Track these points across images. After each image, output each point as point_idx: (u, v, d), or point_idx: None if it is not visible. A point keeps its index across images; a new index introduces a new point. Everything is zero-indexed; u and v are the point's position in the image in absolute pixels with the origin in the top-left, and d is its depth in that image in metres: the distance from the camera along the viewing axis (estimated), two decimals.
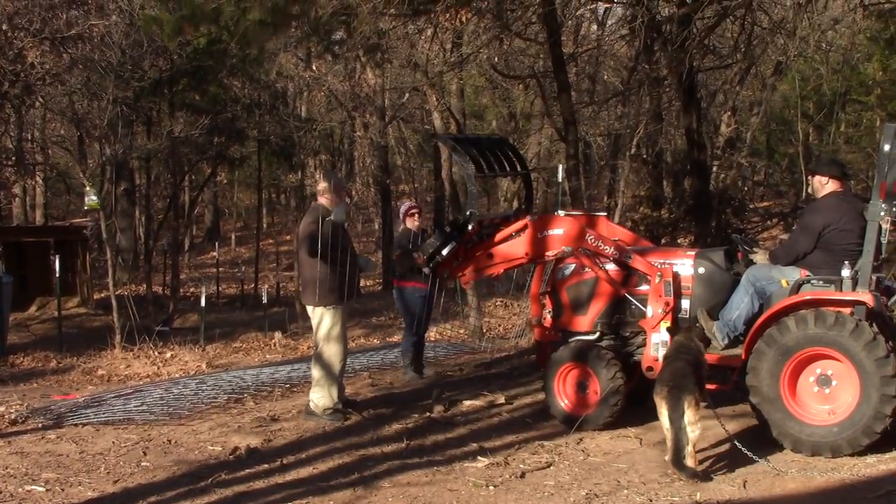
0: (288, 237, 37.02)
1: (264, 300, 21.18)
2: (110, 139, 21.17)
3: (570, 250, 10.01)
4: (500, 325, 18.95)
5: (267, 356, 17.42)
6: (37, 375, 15.76)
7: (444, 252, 10.13)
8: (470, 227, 10.10)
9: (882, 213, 8.99)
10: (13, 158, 26.08)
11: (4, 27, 18.21)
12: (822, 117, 28.82)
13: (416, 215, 12.83)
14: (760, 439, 9.15)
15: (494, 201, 33.55)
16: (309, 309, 10.48)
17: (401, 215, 12.98)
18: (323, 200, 10.54)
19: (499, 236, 10.23)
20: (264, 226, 42.83)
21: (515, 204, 26.73)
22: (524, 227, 10.10)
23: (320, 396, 10.54)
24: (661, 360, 9.46)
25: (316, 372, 10.53)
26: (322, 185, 10.71)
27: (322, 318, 10.43)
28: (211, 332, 18.89)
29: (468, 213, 10.19)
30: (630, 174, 25.31)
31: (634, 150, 24.65)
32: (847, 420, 8.77)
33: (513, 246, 10.17)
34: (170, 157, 26.26)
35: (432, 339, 18.20)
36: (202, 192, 35.99)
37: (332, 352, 10.48)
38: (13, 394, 13.11)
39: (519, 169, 11.14)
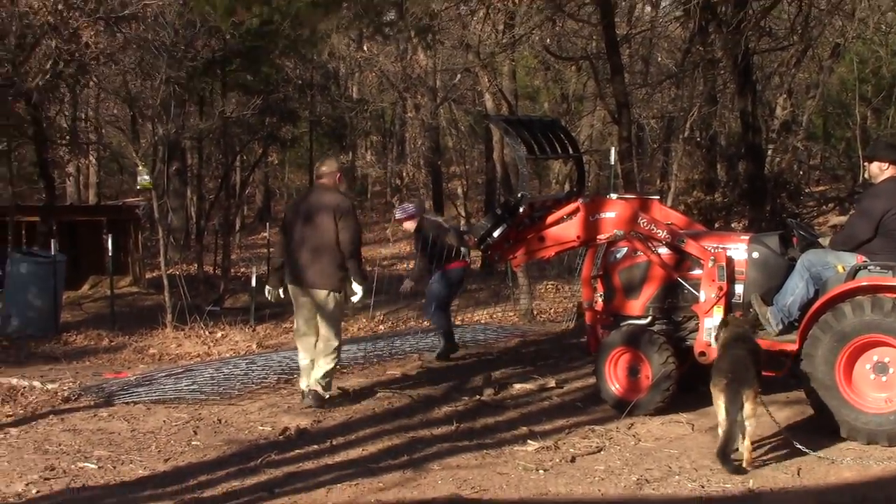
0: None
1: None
2: (163, 119, 21.26)
3: (623, 234, 9.94)
4: (550, 309, 18.88)
5: None
6: (89, 353, 15.93)
7: (496, 234, 10.06)
8: (521, 210, 10.03)
9: None
10: (67, 138, 26.32)
11: (60, 7, 18.34)
12: (881, 100, 28.47)
13: (405, 221, 13.05)
14: (815, 427, 9.08)
15: (546, 184, 33.45)
16: (319, 294, 10.39)
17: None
18: (326, 181, 10.56)
19: (550, 219, 10.15)
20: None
21: (567, 187, 26.61)
22: (576, 210, 10.02)
23: (328, 383, 10.60)
24: (714, 345, 9.39)
25: (330, 358, 10.49)
26: (332, 167, 10.69)
27: (333, 303, 10.43)
28: (261, 312, 18.96)
29: (519, 195, 10.15)
30: (683, 157, 25.08)
31: (688, 133, 24.43)
32: None
33: (564, 229, 10.09)
34: (222, 137, 26.37)
35: (483, 321, 18.27)
36: (253, 173, 36.09)
37: (339, 337, 10.63)
38: (66, 371, 13.25)
39: (571, 151, 11.05)
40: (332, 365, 10.53)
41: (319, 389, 10.51)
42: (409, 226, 13.12)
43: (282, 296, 10.81)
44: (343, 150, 33.76)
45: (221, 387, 11.46)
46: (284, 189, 45.35)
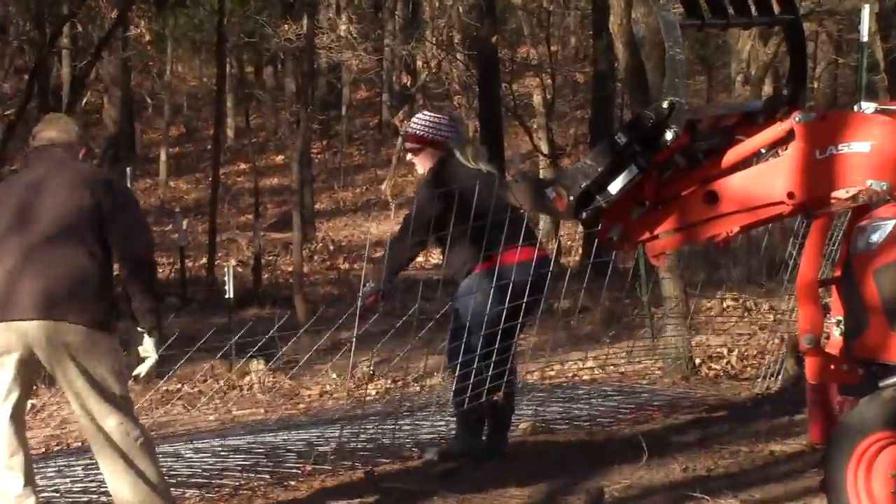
0: (279, 157, 37.39)
1: (229, 292, 21.21)
2: None
3: (888, 187, 9.88)
4: (733, 352, 18.94)
5: (234, 410, 17.57)
6: None
7: (615, 188, 10.07)
8: (671, 135, 9.94)
9: None
10: None
11: None
12: None
13: (413, 145, 13.34)
14: None
15: (713, 92, 33.48)
16: (69, 332, 10.35)
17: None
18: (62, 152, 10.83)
19: (733, 154, 10.24)
20: (229, 134, 43.21)
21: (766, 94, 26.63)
22: (788, 137, 10.03)
23: None
24: None
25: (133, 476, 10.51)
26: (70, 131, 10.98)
27: (107, 352, 10.55)
28: None
29: (666, 102, 9.95)
30: None
31: None
32: None
33: (762, 176, 10.11)
34: None
35: (587, 376, 18.60)
36: (97, 62, 36.33)
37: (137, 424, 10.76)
38: None
39: (778, 13, 10.95)
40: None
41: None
42: (421, 161, 13.23)
43: None
44: (289, 15, 33.94)
45: None
46: (166, 95, 45.63)
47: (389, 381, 18.52)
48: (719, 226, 10.24)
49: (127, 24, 34.95)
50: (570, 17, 38.31)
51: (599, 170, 10.05)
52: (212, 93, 41.30)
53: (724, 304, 21.52)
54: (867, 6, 15.20)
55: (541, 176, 11.76)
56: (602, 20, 28.25)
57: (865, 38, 13.96)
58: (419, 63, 38.15)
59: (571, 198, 10.00)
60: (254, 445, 14.30)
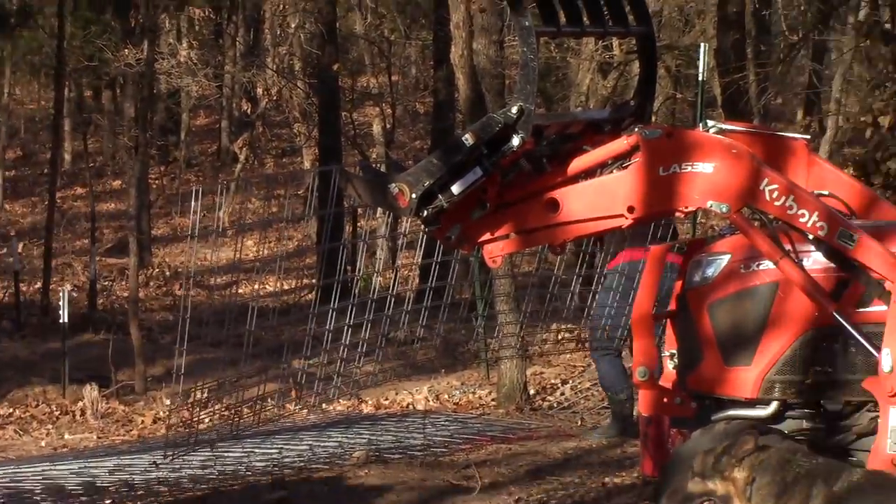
0: (117, 182, 37.25)
1: (63, 316, 21.05)
2: None
3: (728, 209, 9.94)
4: (565, 382, 19.02)
5: (66, 436, 17.47)
6: None
7: (458, 188, 10.11)
8: (517, 142, 10.03)
9: None
10: None
11: None
12: None
13: None
14: None
15: (564, 101, 33.61)
16: None
17: None
18: None
19: (576, 164, 10.31)
20: (66, 158, 43.01)
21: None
22: (632, 150, 10.12)
23: None
24: None
25: None
26: None
27: None
28: None
29: (515, 108, 10.02)
30: (856, 64, 25.35)
31: (866, 13, 24.71)
32: None
33: (604, 188, 10.22)
34: None
35: (420, 405, 18.88)
36: None
37: None
38: None
39: (632, 25, 11.00)
40: None
41: None
42: None
43: None
44: (129, 38, 33.81)
45: None
46: (2, 118, 45.37)
47: (223, 408, 18.38)
48: (558, 233, 10.39)
49: None
50: (412, 47, 38.32)
51: (444, 169, 10.10)
52: (50, 116, 41.06)
53: (560, 336, 21.56)
54: (704, 43, 15.36)
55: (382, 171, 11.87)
56: (443, 51, 28.34)
57: (703, 77, 14.10)
58: (259, 90, 38.12)
59: (414, 195, 10.06)
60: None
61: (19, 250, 29.52)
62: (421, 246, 16.51)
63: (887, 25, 23.96)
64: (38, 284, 31.06)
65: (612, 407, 15.42)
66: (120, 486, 13.46)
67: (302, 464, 14.41)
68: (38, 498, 13.37)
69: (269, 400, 18.47)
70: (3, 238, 32.50)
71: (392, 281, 17.49)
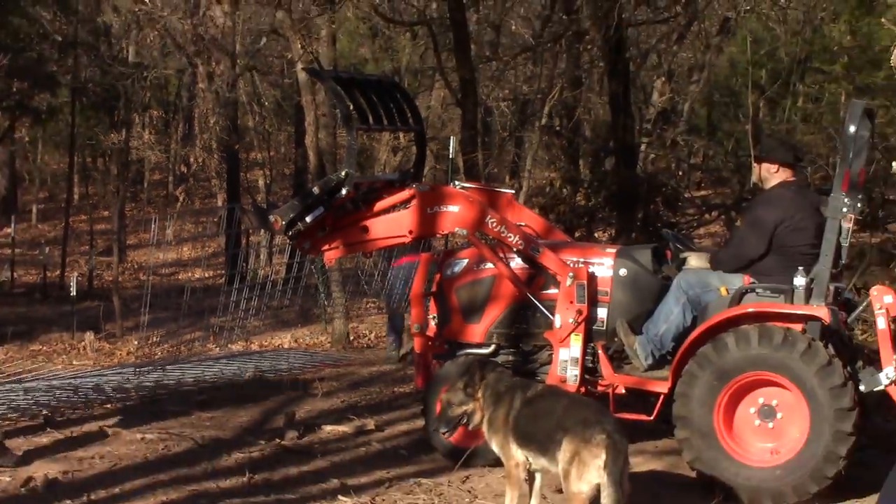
0: (106, 212, 36.54)
1: (73, 292, 20.87)
2: None
3: (466, 233, 10.02)
4: (371, 332, 18.96)
5: (74, 362, 17.20)
6: None
7: (309, 219, 10.06)
8: (344, 192, 10.01)
9: (844, 209, 9.12)
10: None
11: None
12: (777, 88, 29.19)
13: None
14: (689, 483, 9.28)
15: (371, 168, 33.57)
16: None
17: None
18: None
19: (379, 205, 10.23)
20: (75, 197, 42.18)
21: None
22: (411, 198, 10.10)
23: None
24: (571, 381, 9.61)
25: None
26: None
27: None
28: (2, 329, 18.57)
29: (343, 172, 10.09)
30: (539, 150, 25.50)
31: (546, 120, 24.82)
32: (793, 461, 8.92)
33: (395, 220, 10.17)
34: None
35: (286, 345, 18.53)
36: None
37: None
38: None
39: (412, 122, 11.07)
40: None
41: None
42: None
43: None
44: (114, 128, 33.24)
45: None
46: (37, 173, 44.44)
47: (169, 346, 18.24)
48: (368, 246, 10.45)
49: None
50: (282, 134, 38.06)
51: (301, 207, 10.11)
52: (65, 172, 39.84)
53: (367, 304, 21.46)
54: (453, 138, 15.44)
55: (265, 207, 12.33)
56: (301, 137, 28.07)
57: (452, 155, 14.22)
58: (191, 159, 37.78)
59: (284, 222, 10.04)
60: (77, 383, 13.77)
61: (46, 251, 29.03)
62: (287, 252, 16.47)
63: (558, 128, 24.09)
64: (57, 272, 30.39)
65: (393, 344, 15.64)
66: (111, 391, 13.14)
67: (215, 379, 14.15)
68: (84, 391, 13.03)
69: (196, 342, 18.63)
70: (38, 245, 31.82)
71: (269, 272, 17.27)
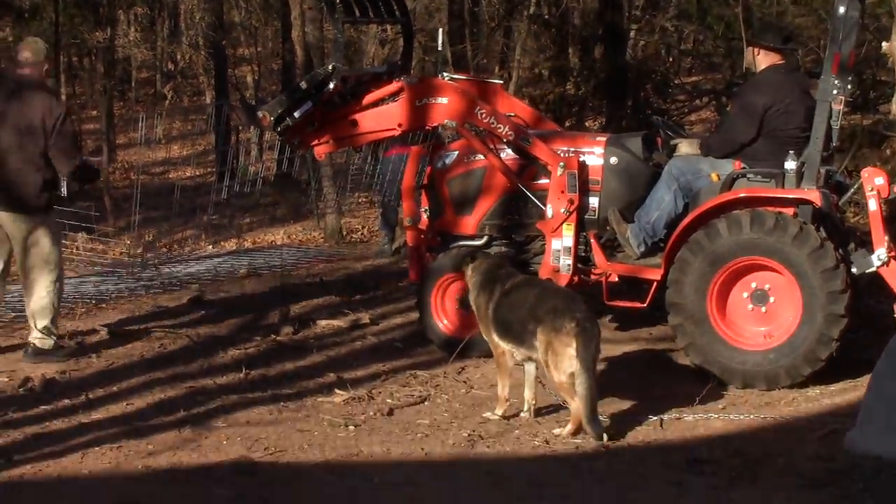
0: (94, 112, 36.31)
1: (64, 192, 20.71)
2: None
3: (456, 124, 9.98)
4: (364, 227, 18.86)
5: (68, 263, 17.15)
6: None
7: (297, 114, 9.92)
8: (332, 85, 9.88)
9: (834, 92, 9.09)
10: None
11: None
12: None
13: None
14: (683, 368, 9.35)
15: (359, 61, 33.33)
16: (18, 219, 10.04)
17: None
18: (31, 73, 10.05)
19: (368, 99, 10.10)
20: (62, 97, 41.88)
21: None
22: (400, 91, 9.99)
23: (49, 327, 10.16)
24: (564, 270, 9.67)
25: (46, 294, 10.08)
26: (39, 53, 10.16)
27: (43, 226, 10.21)
28: None
29: (330, 66, 9.99)
30: (528, 39, 25.28)
31: (534, 10, 24.63)
32: (786, 344, 8.99)
33: (384, 112, 10.04)
34: None
35: (279, 241, 18.30)
36: None
37: (59, 268, 10.22)
38: None
39: (398, 14, 10.95)
40: (50, 303, 10.04)
41: (37, 341, 10.06)
42: None
43: None
44: (99, 25, 32.90)
45: None
46: None
47: (162, 245, 18.13)
48: (358, 139, 10.33)
49: None
50: (269, 29, 37.66)
51: (289, 102, 9.98)
52: (51, 74, 39.58)
53: (358, 198, 21.26)
54: (441, 29, 15.24)
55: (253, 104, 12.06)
56: (287, 32, 27.77)
57: (440, 47, 14.03)
58: (178, 56, 37.42)
59: (272, 118, 9.91)
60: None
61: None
62: (276, 148, 16.24)
63: (547, 16, 23.89)
64: None
65: (386, 238, 15.41)
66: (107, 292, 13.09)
67: (210, 277, 14.06)
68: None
69: (188, 241, 18.45)
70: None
71: (259, 169, 17.05)
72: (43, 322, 10.01)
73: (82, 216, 14.88)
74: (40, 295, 10.01)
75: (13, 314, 11.50)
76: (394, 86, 10.06)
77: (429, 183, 10.62)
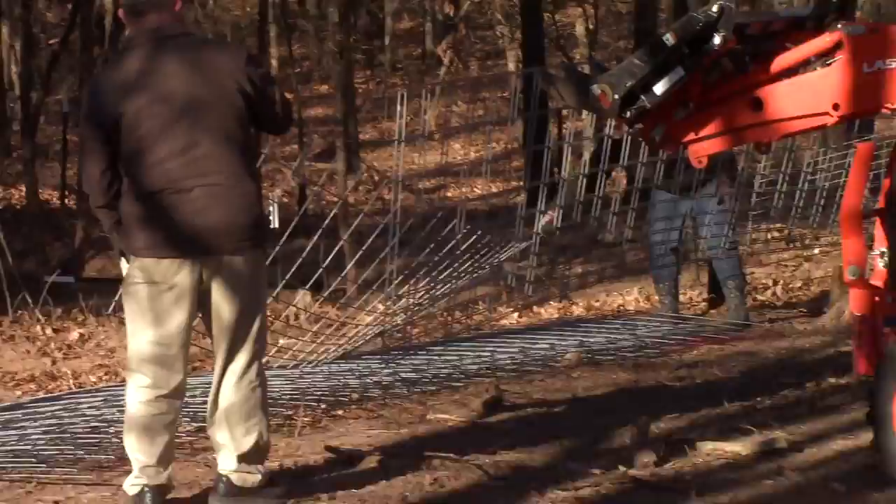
0: (324, 87, 33.31)
1: (274, 222, 17.11)
2: None
3: None
4: (777, 282, 15.72)
5: (280, 341, 12.82)
6: None
7: (660, 89, 7.36)
8: (719, 39, 7.26)
9: None
10: None
11: None
12: None
13: None
14: None
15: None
16: (237, 264, 7.01)
17: None
18: (167, 19, 6.82)
19: (779, 62, 7.43)
20: (272, 65, 39.78)
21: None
22: (836, 47, 7.28)
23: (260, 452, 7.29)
24: None
25: (255, 400, 7.16)
26: None
27: (258, 277, 7.21)
28: None
29: (717, 6, 7.35)
30: None
31: None
32: None
33: (806, 85, 7.42)
34: None
35: (631, 306, 15.45)
36: None
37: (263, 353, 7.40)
38: None
39: None
40: (258, 404, 7.14)
41: (235, 477, 7.17)
42: None
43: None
44: None
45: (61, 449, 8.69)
46: None
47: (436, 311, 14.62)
48: (763, 132, 7.97)
49: None
50: None
51: (646, 70, 7.58)
52: (255, 22, 35.77)
53: (769, 235, 17.83)
54: None
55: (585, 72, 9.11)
56: None
57: None
58: None
59: (616, 96, 7.49)
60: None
61: None
62: (625, 147, 12.90)
63: None
64: None
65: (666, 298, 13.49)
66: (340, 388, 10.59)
67: (514, 366, 11.60)
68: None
69: (479, 303, 15.57)
70: None
71: (599, 182, 13.62)
72: (250, 441, 7.17)
73: (303, 263, 11.53)
74: (243, 394, 7.06)
75: (195, 425, 9.11)
76: (826, 39, 7.44)
77: (887, 206, 7.82)
